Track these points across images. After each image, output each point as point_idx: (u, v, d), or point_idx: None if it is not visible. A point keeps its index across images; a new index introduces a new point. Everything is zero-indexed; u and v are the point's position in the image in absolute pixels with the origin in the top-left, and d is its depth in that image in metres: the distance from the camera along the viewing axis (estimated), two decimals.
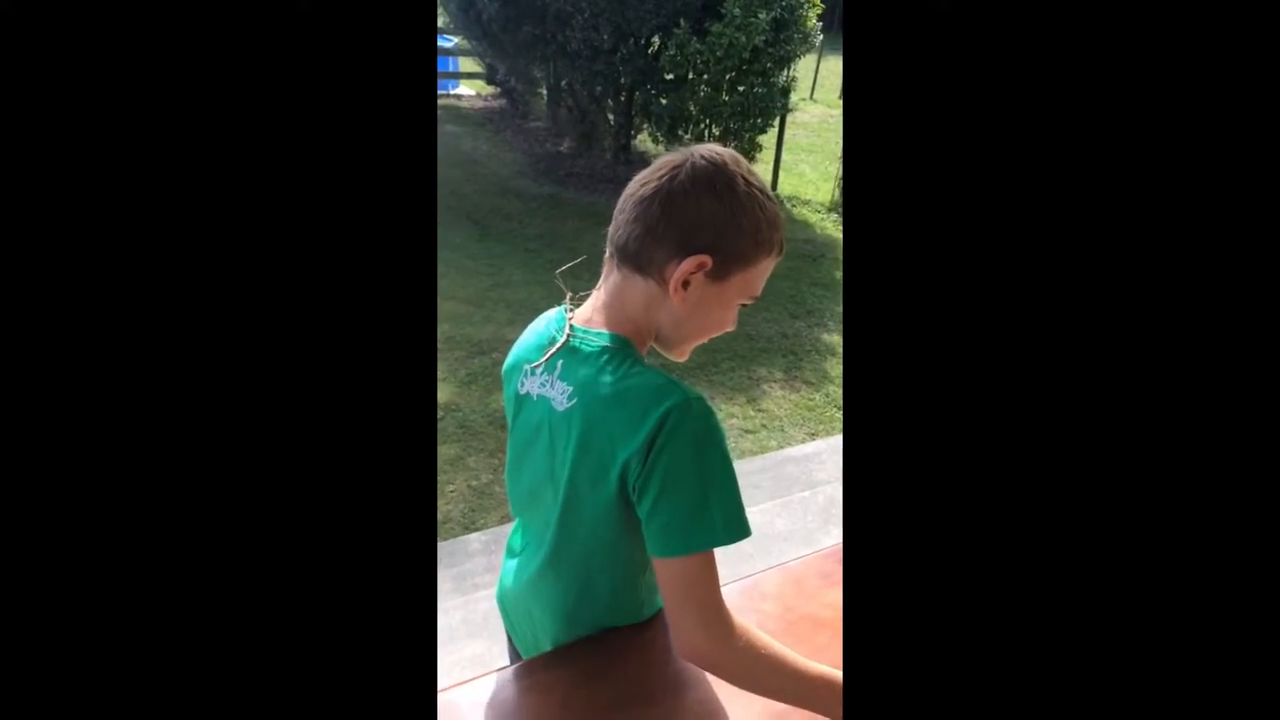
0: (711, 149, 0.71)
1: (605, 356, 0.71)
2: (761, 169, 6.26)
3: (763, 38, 4.97)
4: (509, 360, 0.83)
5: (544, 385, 0.76)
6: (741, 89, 5.27)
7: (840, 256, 4.81)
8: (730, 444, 2.92)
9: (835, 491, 2.57)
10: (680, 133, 5.58)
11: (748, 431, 3.01)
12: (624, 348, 0.72)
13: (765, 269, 0.73)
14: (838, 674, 0.69)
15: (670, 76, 5.34)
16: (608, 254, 0.75)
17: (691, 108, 5.39)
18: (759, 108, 5.34)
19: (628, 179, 0.74)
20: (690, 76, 5.29)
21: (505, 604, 0.92)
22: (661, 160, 0.72)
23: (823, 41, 6.15)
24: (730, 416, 3.08)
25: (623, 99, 5.81)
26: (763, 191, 0.71)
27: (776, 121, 5.77)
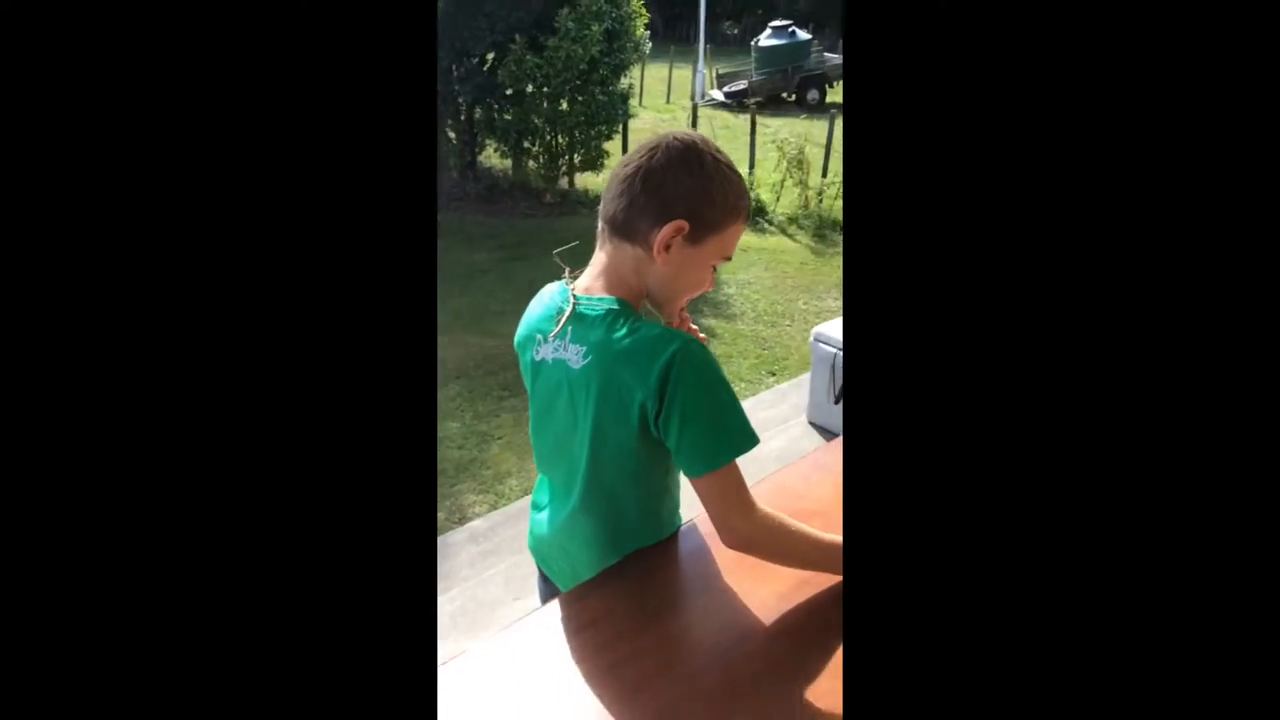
0: (682, 133, 0.84)
1: (610, 317, 0.83)
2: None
3: (598, 48, 5.16)
4: (520, 333, 0.94)
5: (558, 350, 0.87)
6: (582, 99, 5.43)
7: None
8: None
9: None
10: (526, 145, 5.66)
11: None
12: (625, 309, 0.84)
13: (735, 232, 0.86)
14: None
15: (510, 91, 5.41)
16: (599, 229, 0.86)
17: (535, 120, 5.48)
18: (602, 115, 5.53)
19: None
20: (530, 90, 5.39)
21: (540, 550, 1.02)
22: (640, 144, 0.85)
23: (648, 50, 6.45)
24: None
25: (463, 117, 5.80)
26: (729, 167, 0.84)
27: (620, 128, 5.99)
